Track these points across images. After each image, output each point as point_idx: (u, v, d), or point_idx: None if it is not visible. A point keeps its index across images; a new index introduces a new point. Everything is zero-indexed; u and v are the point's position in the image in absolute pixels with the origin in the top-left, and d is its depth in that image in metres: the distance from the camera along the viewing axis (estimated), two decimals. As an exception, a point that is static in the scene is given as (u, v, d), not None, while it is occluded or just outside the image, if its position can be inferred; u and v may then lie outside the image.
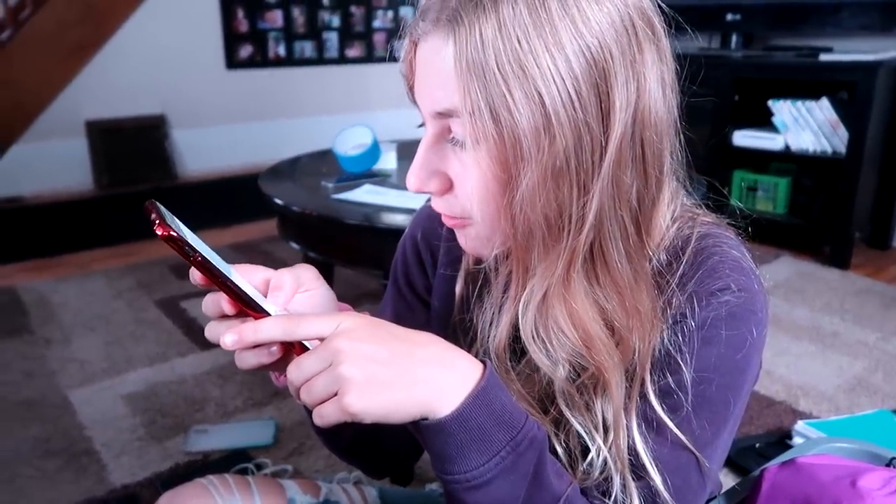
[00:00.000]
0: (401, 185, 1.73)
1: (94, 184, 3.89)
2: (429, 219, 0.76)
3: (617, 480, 0.55)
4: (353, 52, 4.81)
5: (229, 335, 0.49)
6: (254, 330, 0.49)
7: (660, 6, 0.53)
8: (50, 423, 1.66)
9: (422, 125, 0.56)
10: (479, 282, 0.66)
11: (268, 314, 0.50)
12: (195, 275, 0.49)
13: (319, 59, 4.66)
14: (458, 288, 0.68)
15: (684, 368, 0.54)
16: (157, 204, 0.48)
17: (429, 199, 0.81)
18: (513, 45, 0.47)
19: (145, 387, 1.82)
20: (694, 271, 0.56)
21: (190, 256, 0.47)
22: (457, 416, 0.47)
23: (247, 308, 0.50)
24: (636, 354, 0.55)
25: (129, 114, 3.94)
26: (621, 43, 0.49)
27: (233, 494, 0.78)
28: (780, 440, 1.54)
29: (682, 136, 0.56)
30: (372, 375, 0.46)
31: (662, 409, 0.55)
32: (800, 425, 1.55)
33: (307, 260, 1.86)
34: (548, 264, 0.53)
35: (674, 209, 0.59)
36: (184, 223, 0.49)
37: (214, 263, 0.48)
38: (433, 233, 0.74)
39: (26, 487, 1.43)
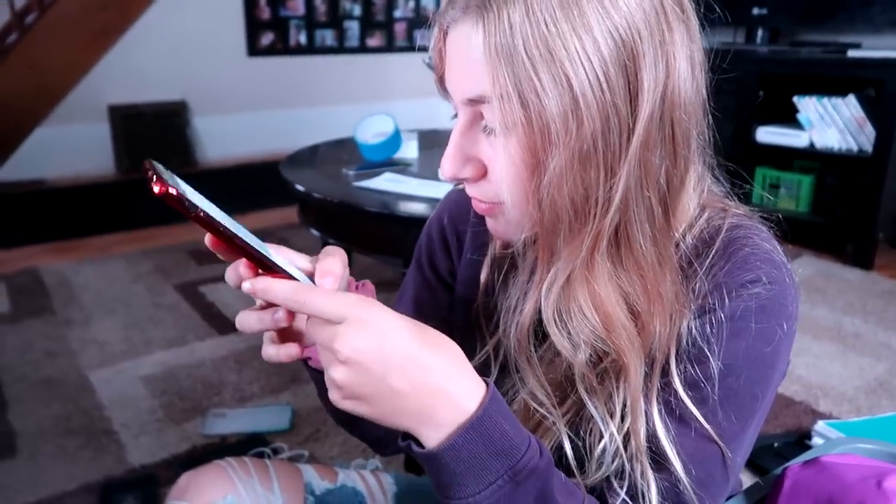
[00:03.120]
0: (421, 174, 1.73)
1: (116, 168, 3.92)
2: (456, 203, 0.75)
3: (636, 469, 0.54)
4: (373, 41, 4.80)
5: (247, 282, 0.49)
6: (264, 286, 0.49)
7: None
8: (70, 402, 1.68)
9: (454, 116, 0.56)
10: (505, 267, 0.66)
11: (285, 273, 0.50)
12: (207, 237, 0.49)
13: (340, 48, 4.66)
14: (484, 274, 0.68)
15: (712, 360, 0.53)
16: (155, 163, 0.46)
17: (456, 185, 0.80)
18: (540, 29, 0.47)
19: (164, 369, 1.84)
20: (724, 262, 0.55)
21: (192, 213, 0.45)
22: (448, 447, 0.46)
23: (263, 268, 0.50)
24: (657, 340, 0.54)
25: (151, 99, 3.96)
26: (650, 23, 0.49)
27: (251, 477, 0.79)
28: (799, 440, 1.53)
29: (710, 116, 0.55)
30: (356, 399, 0.46)
31: (688, 399, 0.54)
32: (820, 425, 1.53)
33: (326, 245, 1.86)
34: (573, 247, 0.52)
35: (701, 192, 0.59)
36: None
37: (219, 220, 0.47)
38: (460, 217, 0.74)
39: (47, 464, 1.46)
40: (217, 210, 0.49)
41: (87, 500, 1.35)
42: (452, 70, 0.53)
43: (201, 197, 0.48)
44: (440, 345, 0.48)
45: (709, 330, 0.54)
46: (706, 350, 0.54)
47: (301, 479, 0.82)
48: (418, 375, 0.46)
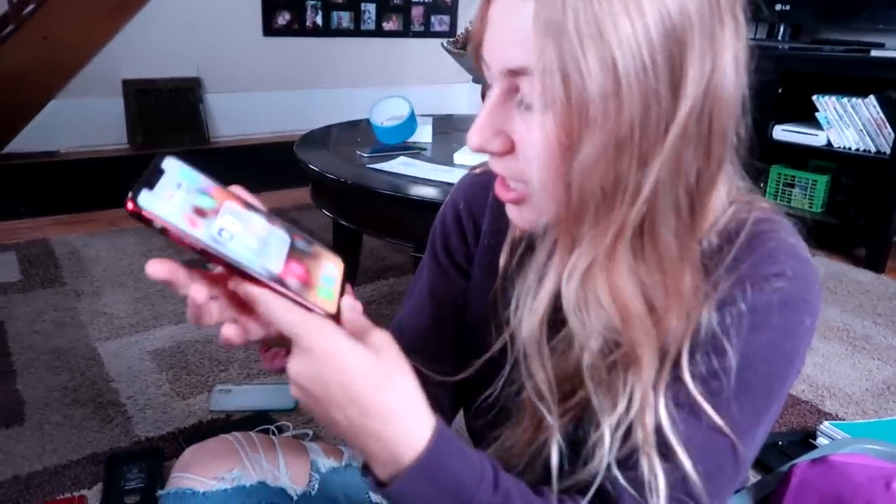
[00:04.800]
0: (435, 159, 1.72)
1: (129, 142, 3.93)
2: (472, 187, 0.75)
3: (643, 461, 0.54)
4: (390, 25, 4.78)
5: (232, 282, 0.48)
6: (244, 289, 0.47)
7: None
8: (78, 372, 1.70)
9: (484, 94, 0.54)
10: (521, 250, 0.65)
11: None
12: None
13: (356, 31, 4.64)
14: (503, 259, 0.67)
15: (730, 353, 0.53)
16: (165, 162, 0.47)
17: (471, 168, 0.80)
18: (592, 6, 0.45)
19: (171, 344, 1.84)
20: (748, 254, 0.54)
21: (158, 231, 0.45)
22: (394, 489, 0.47)
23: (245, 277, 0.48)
24: (672, 334, 0.54)
25: (166, 75, 3.96)
26: (703, 13, 0.47)
27: (257, 452, 0.79)
28: (804, 439, 1.52)
29: (749, 117, 0.54)
30: (310, 411, 0.48)
31: (700, 392, 0.54)
32: (825, 426, 1.53)
33: (337, 228, 1.86)
34: (596, 235, 0.51)
35: (729, 190, 0.58)
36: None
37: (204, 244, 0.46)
38: (476, 202, 0.73)
39: (54, 433, 1.47)
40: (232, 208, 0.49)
41: (93, 470, 1.36)
42: (495, 38, 0.52)
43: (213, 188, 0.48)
44: (387, 380, 0.47)
45: (728, 321, 0.53)
46: (724, 343, 0.53)
47: (307, 457, 0.82)
48: (356, 416, 0.46)
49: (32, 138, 3.59)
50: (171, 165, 0.48)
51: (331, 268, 0.52)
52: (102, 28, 3.60)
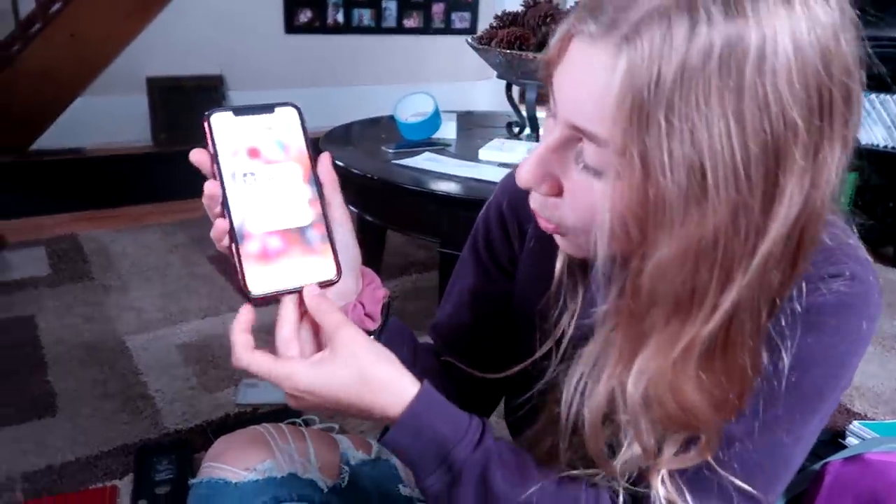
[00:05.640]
0: (459, 155, 1.72)
1: (153, 140, 3.97)
2: (516, 188, 0.74)
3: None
4: (410, 22, 4.77)
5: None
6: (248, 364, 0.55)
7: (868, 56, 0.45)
8: (108, 365, 1.72)
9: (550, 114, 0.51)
10: (576, 266, 0.63)
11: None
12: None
13: (377, 28, 4.65)
14: (559, 265, 0.64)
15: (783, 353, 0.51)
16: (216, 114, 0.51)
17: (515, 168, 0.79)
18: (690, 99, 0.40)
19: (198, 338, 1.86)
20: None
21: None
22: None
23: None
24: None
25: (189, 73, 3.99)
26: (810, 127, 0.42)
27: (288, 444, 0.79)
28: (833, 439, 1.51)
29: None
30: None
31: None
32: (855, 425, 1.51)
33: (361, 224, 1.87)
34: (664, 343, 0.47)
35: None
36: None
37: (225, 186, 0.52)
38: (521, 202, 0.70)
39: (86, 424, 1.49)
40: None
41: (124, 461, 1.38)
42: (569, 84, 0.47)
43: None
44: (377, 361, 0.55)
45: (783, 321, 0.51)
46: (777, 342, 0.51)
47: (337, 449, 0.83)
48: (353, 401, 0.54)
49: (59, 135, 3.64)
50: (286, 112, 0.53)
51: (314, 266, 0.54)
52: (127, 26, 3.65)
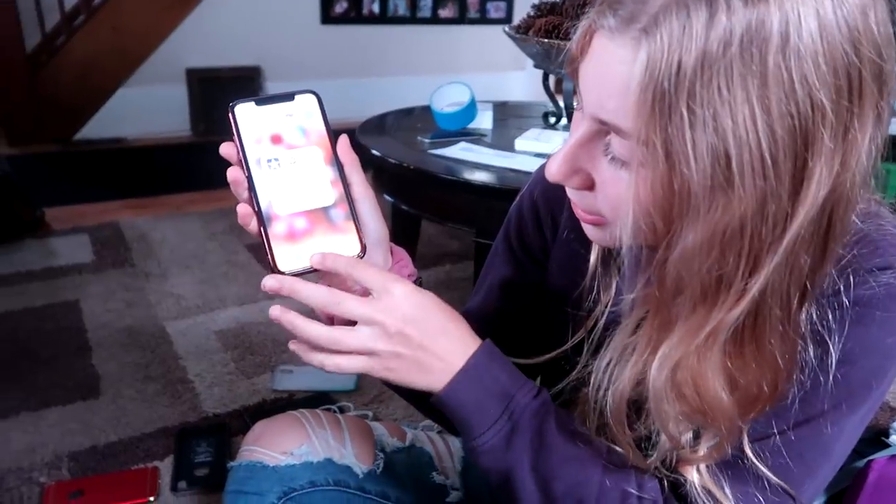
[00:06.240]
0: (495, 145, 1.71)
1: (191, 130, 4.03)
2: None
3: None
4: (445, 12, 4.76)
5: (270, 280, 0.54)
6: (291, 287, 0.54)
7: None
8: (149, 350, 1.76)
9: (579, 108, 0.51)
10: (612, 255, 0.62)
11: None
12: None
13: (412, 18, 4.64)
14: (594, 256, 0.64)
15: (831, 348, 0.51)
16: (237, 107, 0.54)
17: (549, 158, 0.79)
18: (712, 86, 0.40)
19: (235, 325, 1.90)
20: (852, 247, 0.51)
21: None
22: (447, 391, 0.55)
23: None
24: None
25: (227, 64, 4.05)
26: (838, 108, 0.41)
27: (324, 429, 0.80)
28: (876, 437, 1.47)
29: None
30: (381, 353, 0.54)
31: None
32: (899, 423, 1.47)
33: (397, 213, 1.88)
34: (690, 329, 0.47)
35: None
36: None
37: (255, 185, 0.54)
38: (554, 193, 0.70)
39: (128, 407, 1.53)
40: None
41: (165, 443, 1.42)
42: (593, 79, 0.47)
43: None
44: (439, 309, 0.56)
45: (829, 315, 0.50)
46: (825, 336, 0.51)
47: (372, 436, 0.84)
48: (422, 338, 0.54)
49: (101, 126, 3.73)
50: (305, 99, 0.55)
51: (339, 243, 0.55)
52: (168, 17, 3.72)
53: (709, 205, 0.42)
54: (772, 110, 0.40)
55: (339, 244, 0.55)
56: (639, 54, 0.42)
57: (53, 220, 2.58)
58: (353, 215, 0.56)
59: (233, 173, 0.55)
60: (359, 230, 0.56)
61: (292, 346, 0.57)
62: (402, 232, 2.01)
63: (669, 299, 0.47)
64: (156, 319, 1.92)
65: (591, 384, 0.57)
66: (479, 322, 0.78)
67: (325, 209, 0.55)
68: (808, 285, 0.48)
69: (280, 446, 0.78)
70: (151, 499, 1.27)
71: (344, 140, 0.57)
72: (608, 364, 0.55)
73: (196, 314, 1.95)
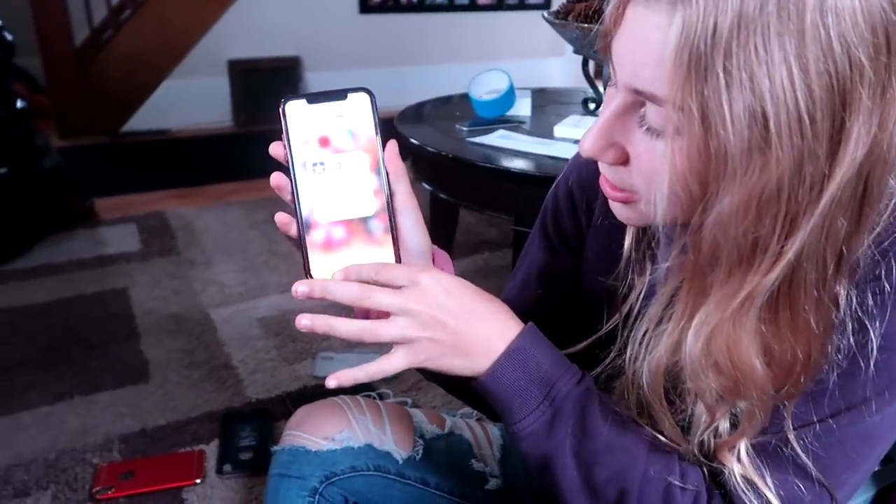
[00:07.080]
0: (534, 132, 1.70)
1: (233, 120, 4.10)
2: (586, 164, 0.73)
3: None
4: (483, -1, 4.73)
5: (301, 286, 0.55)
6: (323, 287, 0.54)
7: None
8: (194, 336, 1.81)
9: (610, 83, 0.51)
10: (647, 240, 0.62)
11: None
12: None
13: (450, 6, 4.62)
14: (628, 241, 0.63)
15: (871, 332, 0.49)
16: (289, 104, 0.53)
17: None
18: (748, 46, 0.39)
19: (278, 313, 1.93)
20: (892, 230, 0.50)
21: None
22: (489, 374, 0.55)
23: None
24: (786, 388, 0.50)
25: (268, 55, 4.10)
26: (876, 65, 0.41)
27: (364, 415, 0.82)
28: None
29: None
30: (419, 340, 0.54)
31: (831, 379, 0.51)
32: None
33: (435, 201, 1.88)
34: (725, 296, 0.47)
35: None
36: None
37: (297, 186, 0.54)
38: (589, 179, 0.70)
39: (175, 391, 1.58)
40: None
41: (210, 427, 1.45)
42: (627, 49, 0.47)
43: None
44: (479, 295, 0.57)
45: (870, 301, 0.49)
46: (865, 321, 0.49)
47: (411, 423, 0.84)
48: (460, 324, 0.54)
49: (147, 117, 3.82)
50: (358, 98, 0.54)
51: (375, 256, 0.55)
52: (209, 10, 3.78)
53: (746, 167, 0.42)
54: (809, 69, 0.40)
55: (375, 257, 0.55)
56: (674, 19, 0.41)
57: (102, 210, 2.66)
58: (392, 227, 0.56)
59: (276, 179, 0.55)
60: (396, 243, 0.56)
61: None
62: (441, 220, 2.01)
63: (705, 265, 0.47)
64: (201, 307, 1.97)
65: (628, 356, 0.57)
66: (515, 309, 0.78)
67: (365, 219, 0.55)
68: (845, 250, 0.47)
69: (322, 431, 0.79)
70: (198, 481, 1.30)
71: (392, 147, 0.56)
72: (644, 334, 0.54)
73: (239, 302, 2.00)
